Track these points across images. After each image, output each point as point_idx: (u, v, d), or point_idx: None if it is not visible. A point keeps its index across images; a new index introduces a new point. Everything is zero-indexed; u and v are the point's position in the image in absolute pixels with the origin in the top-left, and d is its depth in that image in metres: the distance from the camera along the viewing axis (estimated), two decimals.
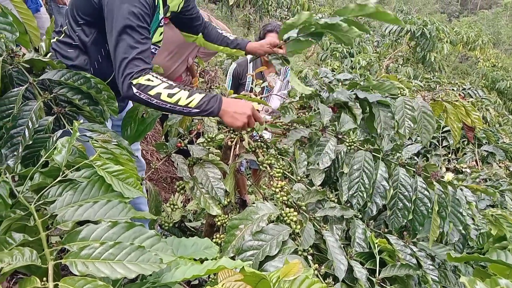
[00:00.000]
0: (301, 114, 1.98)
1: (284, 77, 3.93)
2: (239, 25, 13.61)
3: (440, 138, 3.83)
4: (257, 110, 1.51)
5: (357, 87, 2.19)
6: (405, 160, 1.68)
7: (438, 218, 1.52)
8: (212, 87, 2.20)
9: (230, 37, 2.23)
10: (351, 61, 11.07)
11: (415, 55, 10.05)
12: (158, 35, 1.76)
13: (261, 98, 2.74)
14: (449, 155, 3.73)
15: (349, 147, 1.66)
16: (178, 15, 2.01)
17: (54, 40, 1.64)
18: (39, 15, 3.05)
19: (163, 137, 3.56)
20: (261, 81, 2.72)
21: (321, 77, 6.00)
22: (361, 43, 12.56)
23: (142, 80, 1.38)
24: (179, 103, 1.41)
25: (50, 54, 1.60)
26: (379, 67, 10.25)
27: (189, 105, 1.42)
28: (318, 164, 1.53)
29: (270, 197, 3.27)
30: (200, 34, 2.20)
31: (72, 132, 1.20)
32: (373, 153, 1.64)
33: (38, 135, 1.28)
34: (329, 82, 5.94)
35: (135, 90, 1.38)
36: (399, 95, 2.03)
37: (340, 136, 1.71)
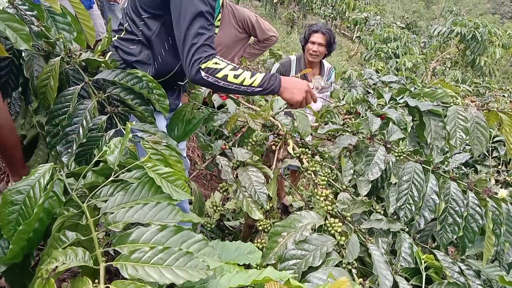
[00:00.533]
0: (347, 119, 1.94)
1: (327, 78, 3.87)
2: (283, 23, 13.55)
3: (490, 148, 3.66)
4: None
5: (406, 93, 2.12)
6: (455, 173, 1.62)
7: (493, 236, 1.45)
8: None
9: None
10: (396, 62, 10.80)
11: (464, 59, 9.65)
12: (217, 20, 1.79)
13: None
14: (499, 166, 3.56)
15: (398, 157, 1.61)
16: None
17: (115, 38, 1.70)
18: (91, 11, 3.15)
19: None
20: None
21: (366, 79, 5.89)
22: (407, 44, 12.22)
23: (210, 64, 1.44)
24: (243, 83, 1.50)
25: (110, 52, 1.65)
26: (426, 70, 9.92)
27: (252, 85, 1.51)
28: (367, 175, 1.49)
29: (308, 199, 3.23)
30: None
31: (124, 132, 1.23)
32: (423, 165, 1.59)
33: (92, 133, 1.31)
34: (374, 83, 5.83)
35: (203, 74, 1.45)
36: (452, 103, 1.95)
37: (388, 146, 1.66)
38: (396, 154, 1.61)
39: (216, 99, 2.30)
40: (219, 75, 1.46)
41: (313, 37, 3.51)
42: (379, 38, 12.32)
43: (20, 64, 1.38)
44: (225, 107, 2.18)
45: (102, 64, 1.46)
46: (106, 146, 1.23)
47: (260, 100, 2.74)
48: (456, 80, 8.81)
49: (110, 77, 1.38)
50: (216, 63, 1.45)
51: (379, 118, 1.76)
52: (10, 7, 1.34)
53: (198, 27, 1.44)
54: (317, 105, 3.73)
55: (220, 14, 1.79)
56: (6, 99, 1.55)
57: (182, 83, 2.02)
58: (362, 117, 1.95)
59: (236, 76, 1.48)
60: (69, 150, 1.29)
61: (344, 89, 5.65)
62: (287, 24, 13.39)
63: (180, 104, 2.07)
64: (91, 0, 3.11)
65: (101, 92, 1.37)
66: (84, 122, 1.30)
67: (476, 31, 9.08)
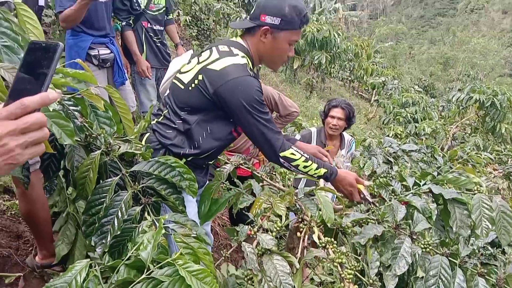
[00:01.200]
0: (372, 206, 1.96)
1: (348, 149, 3.92)
2: (302, 88, 13.96)
3: None
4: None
5: (429, 177, 2.14)
6: (482, 259, 1.59)
7: None
8: None
9: None
10: (415, 127, 10.85)
11: (484, 125, 9.67)
12: None
13: None
14: None
15: (424, 249, 1.61)
16: None
17: (154, 121, 1.84)
18: (124, 87, 3.34)
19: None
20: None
21: (386, 147, 5.93)
22: (425, 108, 12.34)
23: (288, 153, 1.80)
24: (309, 173, 1.88)
25: (148, 134, 1.77)
26: (446, 135, 9.93)
27: (315, 175, 1.89)
28: (395, 269, 1.49)
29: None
30: None
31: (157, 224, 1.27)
32: (449, 258, 1.58)
33: (126, 224, 1.36)
34: (394, 152, 5.86)
35: (281, 160, 1.81)
36: (476, 191, 1.96)
37: (414, 237, 1.66)
38: (422, 246, 1.61)
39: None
40: (293, 163, 1.82)
41: (333, 112, 3.62)
42: (397, 103, 12.49)
43: (62, 148, 1.48)
44: (247, 181, 2.20)
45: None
46: (138, 238, 1.28)
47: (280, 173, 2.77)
48: (477, 146, 8.77)
49: (145, 169, 1.45)
50: (292, 153, 1.80)
51: (404, 206, 1.77)
52: (57, 103, 1.46)
53: (268, 128, 1.74)
54: None
55: None
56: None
57: (211, 163, 2.10)
58: (385, 201, 1.96)
59: (305, 167, 1.84)
60: (103, 241, 1.33)
61: (364, 157, 5.68)
62: (306, 89, 13.76)
63: (207, 182, 2.13)
64: (124, 77, 3.30)
65: (136, 183, 1.44)
66: (120, 213, 1.35)
67: (494, 98, 9.15)
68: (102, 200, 1.40)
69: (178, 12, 8.04)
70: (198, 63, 1.77)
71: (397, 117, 11.71)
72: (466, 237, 1.78)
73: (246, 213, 1.91)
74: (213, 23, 9.10)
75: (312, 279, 3.49)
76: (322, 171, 1.87)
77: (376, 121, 15.02)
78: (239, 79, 1.67)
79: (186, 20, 8.30)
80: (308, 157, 1.84)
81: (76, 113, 1.48)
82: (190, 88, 1.75)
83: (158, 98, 3.85)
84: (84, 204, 1.44)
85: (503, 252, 3.50)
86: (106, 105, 1.54)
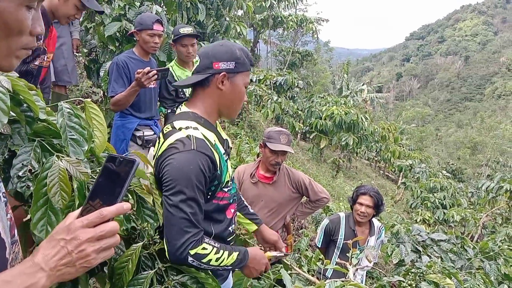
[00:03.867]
0: None
1: (378, 236, 3.89)
2: (328, 167, 14.06)
3: None
4: None
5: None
6: None
7: None
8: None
9: (250, 209, 2.21)
10: (444, 213, 10.60)
11: None
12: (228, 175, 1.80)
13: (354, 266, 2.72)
14: None
15: None
16: None
17: None
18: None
19: None
20: (357, 251, 2.73)
21: (414, 235, 5.80)
22: (454, 194, 12.11)
23: (199, 249, 1.52)
24: (221, 265, 1.59)
25: None
26: (475, 224, 9.63)
27: (227, 265, 1.61)
28: None
29: None
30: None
31: None
32: None
33: None
34: (423, 240, 5.72)
35: (190, 258, 1.51)
36: None
37: None
38: None
39: None
40: (204, 260, 1.53)
41: (361, 199, 3.65)
42: (425, 187, 12.34)
43: None
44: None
45: None
46: None
47: (308, 265, 2.76)
48: (509, 238, 8.43)
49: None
50: (204, 248, 1.53)
51: None
52: None
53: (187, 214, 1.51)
54: (357, 279, 3.68)
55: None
56: None
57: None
58: None
59: (217, 260, 1.56)
60: None
61: (392, 244, 5.55)
62: (332, 168, 13.83)
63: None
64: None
65: (170, 279, 1.49)
66: None
67: None
68: None
69: None
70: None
71: (425, 202, 11.50)
72: None
73: None
74: (246, 103, 9.49)
75: None
76: (235, 256, 1.62)
77: (403, 204, 14.73)
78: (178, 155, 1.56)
79: None
80: (218, 247, 1.59)
81: None
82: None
83: None
84: None
85: None
86: (154, 198, 1.65)
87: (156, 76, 2.84)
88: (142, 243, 1.51)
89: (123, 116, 3.27)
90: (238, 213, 2.12)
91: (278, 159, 3.24)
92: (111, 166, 0.92)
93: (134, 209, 1.55)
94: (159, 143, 1.69)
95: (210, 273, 1.55)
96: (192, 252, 1.50)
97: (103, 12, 2.98)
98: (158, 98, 3.53)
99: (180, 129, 1.61)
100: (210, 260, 1.54)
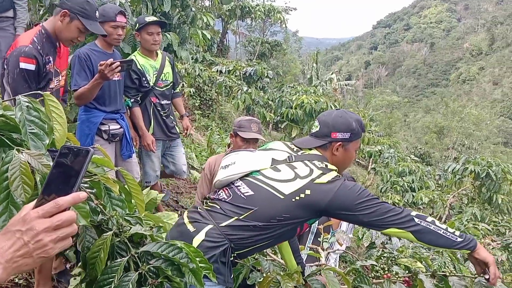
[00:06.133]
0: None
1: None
2: None
3: None
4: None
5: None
6: None
7: None
8: None
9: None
10: (413, 196, 10.91)
11: (481, 196, 9.74)
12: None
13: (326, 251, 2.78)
14: None
15: None
16: None
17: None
18: (130, 160, 3.46)
19: None
20: (329, 236, 2.79)
21: None
22: (422, 177, 12.46)
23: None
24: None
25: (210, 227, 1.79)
26: (443, 205, 9.97)
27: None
28: None
29: None
30: None
31: None
32: None
33: None
34: None
35: (417, 220, 1.77)
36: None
37: None
38: None
39: None
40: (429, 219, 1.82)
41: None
42: (394, 172, 12.64)
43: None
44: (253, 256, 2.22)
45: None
46: None
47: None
48: (475, 217, 8.77)
49: (153, 249, 1.51)
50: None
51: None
52: None
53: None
54: (330, 263, 3.75)
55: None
56: None
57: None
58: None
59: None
60: None
61: (363, 228, 5.69)
62: None
63: None
64: (131, 151, 3.43)
65: (144, 264, 1.50)
66: None
67: (489, 170, 9.31)
68: (111, 280, 1.45)
69: (183, 84, 8.42)
70: (301, 177, 1.82)
71: (395, 186, 11.80)
72: None
73: None
74: (216, 94, 9.47)
75: None
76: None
77: (373, 189, 15.07)
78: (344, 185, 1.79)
79: (190, 91, 8.67)
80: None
81: (91, 195, 1.57)
82: (293, 200, 1.78)
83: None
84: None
85: None
86: (120, 187, 1.64)
87: (119, 68, 2.80)
88: (112, 231, 1.50)
89: (88, 111, 3.20)
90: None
91: (250, 147, 3.25)
92: (65, 157, 0.91)
93: (100, 200, 1.54)
94: (310, 169, 1.89)
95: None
96: (413, 214, 1.79)
97: (106, 35, 2.98)
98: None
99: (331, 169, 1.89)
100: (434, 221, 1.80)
